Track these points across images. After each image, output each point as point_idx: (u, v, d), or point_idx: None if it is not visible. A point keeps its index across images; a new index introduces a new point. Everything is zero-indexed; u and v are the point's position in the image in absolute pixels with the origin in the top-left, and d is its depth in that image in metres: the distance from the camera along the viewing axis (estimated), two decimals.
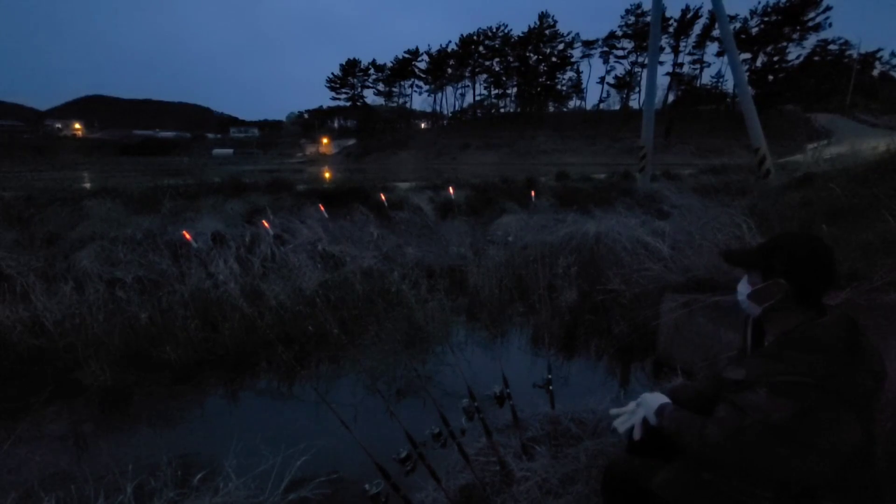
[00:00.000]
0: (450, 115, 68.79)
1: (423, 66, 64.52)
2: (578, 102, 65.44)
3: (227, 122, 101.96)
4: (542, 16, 57.54)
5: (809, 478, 1.01)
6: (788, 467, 1.01)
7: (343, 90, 67.45)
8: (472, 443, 2.21)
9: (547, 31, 57.89)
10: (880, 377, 1.05)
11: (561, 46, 58.79)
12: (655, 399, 1.31)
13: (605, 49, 57.86)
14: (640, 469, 1.31)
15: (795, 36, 46.97)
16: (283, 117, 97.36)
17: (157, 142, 66.10)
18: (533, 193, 8.39)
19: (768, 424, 0.99)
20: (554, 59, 59.25)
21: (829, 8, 44.54)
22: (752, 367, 1.09)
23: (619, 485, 1.35)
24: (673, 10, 50.73)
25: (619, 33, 55.73)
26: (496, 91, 64.09)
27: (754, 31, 48.66)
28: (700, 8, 49.30)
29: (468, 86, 65.14)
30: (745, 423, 1.03)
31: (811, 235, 1.19)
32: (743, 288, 1.22)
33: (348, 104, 68.89)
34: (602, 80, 61.21)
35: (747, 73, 41.30)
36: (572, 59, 59.82)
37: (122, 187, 8.23)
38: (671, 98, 54.75)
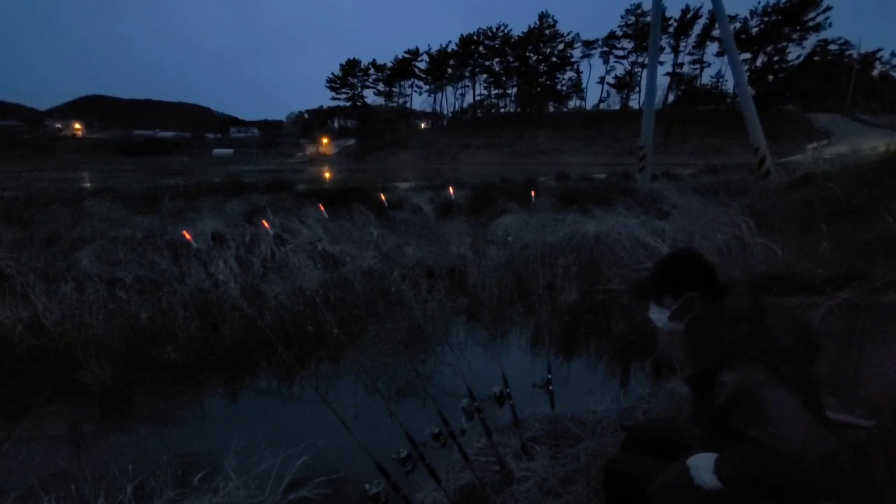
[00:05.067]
0: (450, 115, 68.70)
1: (423, 66, 64.46)
2: (578, 102, 65.31)
3: (227, 122, 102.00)
4: (542, 16, 57.50)
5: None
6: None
7: (343, 90, 67.33)
8: (472, 443, 2.21)
9: (547, 31, 57.82)
10: (803, 340, 1.11)
11: (561, 46, 58.72)
12: (706, 458, 1.08)
13: (605, 49, 57.76)
14: (639, 468, 1.31)
15: (795, 36, 46.83)
16: (283, 117, 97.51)
17: (157, 142, 66.09)
18: (533, 193, 8.38)
19: (771, 386, 0.97)
20: (554, 59, 59.13)
21: (829, 8, 44.43)
22: (690, 361, 1.18)
23: (619, 483, 1.36)
24: (673, 10, 50.62)
25: (619, 33, 55.64)
26: (496, 91, 64.03)
27: (754, 31, 48.54)
28: (700, 8, 49.20)
29: (468, 86, 65.09)
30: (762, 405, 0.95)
31: (683, 248, 1.47)
32: (657, 314, 1.30)
33: (348, 104, 68.72)
34: (602, 80, 61.14)
35: (747, 73, 41.27)
36: (572, 59, 59.73)
37: (122, 187, 8.23)
38: (671, 98, 54.61)
